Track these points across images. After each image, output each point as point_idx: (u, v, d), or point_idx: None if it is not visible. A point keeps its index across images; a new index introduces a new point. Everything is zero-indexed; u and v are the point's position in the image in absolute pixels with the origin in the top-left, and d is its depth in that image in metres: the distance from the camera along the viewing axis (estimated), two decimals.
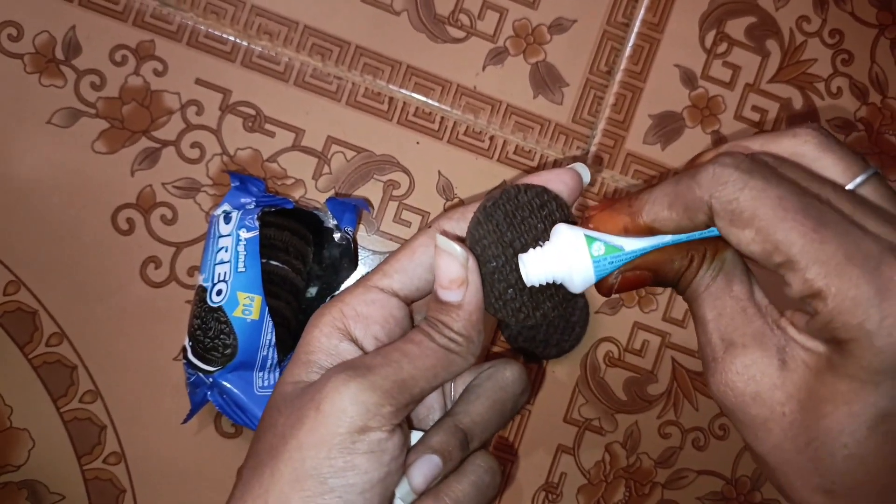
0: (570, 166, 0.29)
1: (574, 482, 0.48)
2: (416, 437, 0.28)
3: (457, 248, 0.26)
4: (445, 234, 0.27)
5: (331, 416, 0.25)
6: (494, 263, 0.27)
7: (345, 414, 0.25)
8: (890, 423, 0.20)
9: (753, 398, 0.22)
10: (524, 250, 0.27)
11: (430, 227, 0.29)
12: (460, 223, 0.29)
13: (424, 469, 0.27)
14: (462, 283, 0.26)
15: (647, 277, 0.24)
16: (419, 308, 0.32)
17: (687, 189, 0.23)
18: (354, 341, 0.28)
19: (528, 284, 0.27)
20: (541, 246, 0.27)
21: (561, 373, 0.48)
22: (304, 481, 0.25)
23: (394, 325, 0.29)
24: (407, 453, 0.27)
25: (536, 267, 0.26)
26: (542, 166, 0.48)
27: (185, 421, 0.43)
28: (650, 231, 0.24)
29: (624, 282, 0.25)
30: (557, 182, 0.28)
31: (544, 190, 0.28)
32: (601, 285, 0.25)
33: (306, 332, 0.29)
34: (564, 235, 0.26)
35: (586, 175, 0.29)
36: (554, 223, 0.28)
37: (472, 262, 0.26)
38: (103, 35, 0.46)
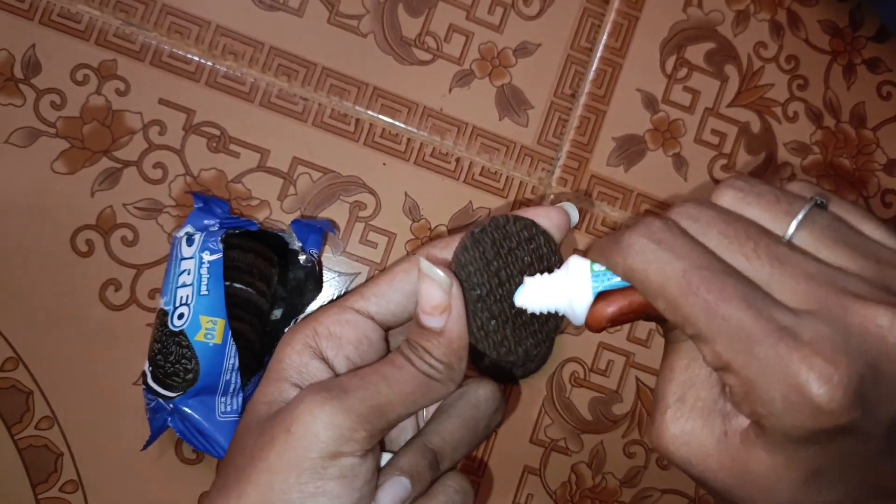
0: (559, 204, 0.28)
1: None
2: (385, 458, 0.27)
3: (440, 273, 0.25)
4: (431, 258, 0.27)
5: (302, 440, 0.24)
6: (479, 291, 0.26)
7: (317, 438, 0.24)
8: (819, 482, 0.20)
9: (685, 462, 0.22)
10: (510, 282, 0.27)
11: (414, 253, 0.29)
12: (444, 252, 0.28)
13: (392, 492, 0.26)
14: (445, 309, 0.26)
15: (644, 306, 0.24)
16: (396, 335, 0.31)
17: (611, 251, 0.23)
18: (325, 361, 0.27)
19: (527, 309, 0.26)
20: (546, 273, 0.26)
21: (527, 394, 0.48)
22: None
23: (367, 348, 0.28)
24: (377, 479, 0.26)
25: (538, 293, 0.25)
26: (508, 188, 0.49)
27: (145, 447, 0.42)
28: None
29: (620, 311, 0.24)
30: (545, 218, 0.28)
31: (533, 223, 0.27)
32: (596, 316, 0.24)
33: (278, 350, 0.28)
34: (575, 261, 0.25)
35: (574, 215, 0.28)
36: (541, 258, 0.27)
37: (455, 289, 0.26)
38: (64, 54, 0.45)
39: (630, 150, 0.50)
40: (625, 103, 0.50)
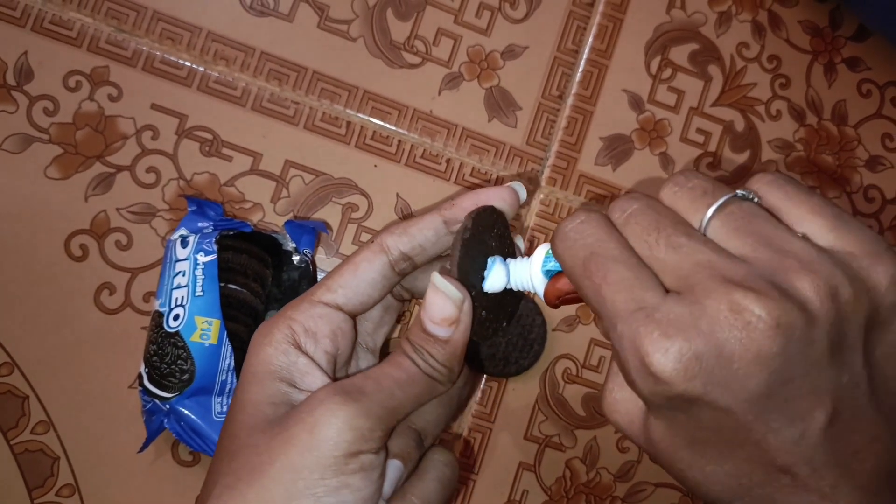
0: (507, 184, 0.31)
1: (536, 499, 0.49)
2: None
3: (454, 290, 0.27)
4: (444, 272, 0.28)
5: (326, 441, 0.25)
6: (474, 292, 0.28)
7: (341, 438, 0.26)
8: (704, 452, 0.23)
9: (618, 426, 0.25)
10: (483, 268, 0.29)
11: (372, 241, 0.30)
12: (402, 238, 0.30)
13: (389, 475, 0.28)
14: (454, 322, 0.27)
15: None
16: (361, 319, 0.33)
17: (552, 238, 0.26)
18: (308, 357, 0.28)
19: (510, 286, 0.29)
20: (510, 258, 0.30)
21: (520, 391, 0.49)
22: (298, 500, 0.25)
23: (341, 338, 0.30)
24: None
25: (512, 274, 0.29)
26: None
27: (142, 450, 0.42)
28: None
29: (570, 288, 0.27)
30: (499, 199, 0.30)
31: (493, 209, 0.30)
32: (549, 292, 0.27)
33: (257, 349, 0.29)
34: (539, 248, 0.29)
35: (522, 193, 0.31)
36: (501, 238, 0.30)
37: (467, 305, 0.27)
38: (56, 60, 0.46)
39: (617, 149, 0.51)
40: (611, 104, 0.51)
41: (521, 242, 0.33)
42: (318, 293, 0.30)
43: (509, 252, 0.31)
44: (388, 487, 0.27)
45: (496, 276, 0.29)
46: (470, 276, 0.28)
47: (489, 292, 0.29)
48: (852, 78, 0.54)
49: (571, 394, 0.49)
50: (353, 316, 0.30)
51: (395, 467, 0.28)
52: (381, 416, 0.26)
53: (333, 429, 0.25)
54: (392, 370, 0.28)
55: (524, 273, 0.28)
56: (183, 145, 0.46)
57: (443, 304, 0.27)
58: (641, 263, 0.23)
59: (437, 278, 0.27)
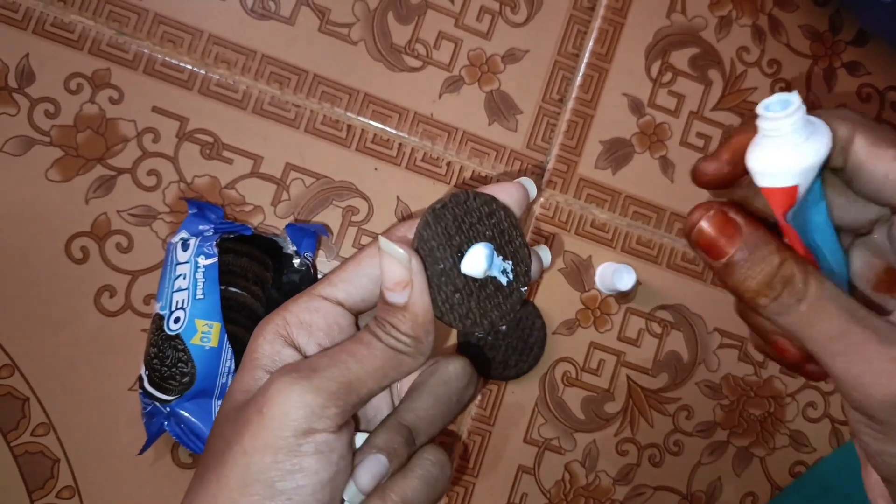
0: (517, 180, 0.29)
1: (535, 502, 0.49)
2: (361, 438, 0.28)
3: (399, 249, 0.26)
4: (389, 236, 0.27)
5: (274, 420, 0.24)
6: (442, 266, 0.27)
7: (288, 417, 0.24)
8: None
9: None
10: (466, 248, 0.28)
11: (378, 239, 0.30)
12: (409, 232, 0.29)
13: (370, 468, 0.26)
14: (406, 284, 0.26)
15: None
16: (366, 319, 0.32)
17: (831, 114, 0.23)
18: (297, 348, 0.28)
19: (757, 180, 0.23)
20: None
21: (520, 394, 0.49)
22: (252, 486, 0.24)
23: (338, 333, 0.28)
24: (353, 455, 0.27)
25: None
26: None
27: (142, 452, 0.42)
28: None
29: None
30: (504, 194, 0.29)
31: (493, 199, 0.28)
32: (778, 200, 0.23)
33: (251, 341, 0.28)
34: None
35: (532, 189, 0.30)
36: (502, 232, 0.28)
37: (415, 264, 0.26)
38: (58, 63, 0.46)
39: (617, 153, 0.51)
40: (612, 108, 0.51)
41: (545, 252, 0.31)
42: (319, 287, 0.29)
43: (513, 249, 0.29)
44: (368, 480, 0.26)
45: (475, 258, 0.27)
46: (435, 249, 0.27)
47: (468, 275, 0.27)
48: (852, 82, 0.54)
49: (571, 397, 0.49)
50: (356, 313, 0.30)
51: (377, 461, 0.26)
52: (334, 392, 0.25)
53: (280, 408, 0.24)
54: (350, 344, 0.27)
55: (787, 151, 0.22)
56: (184, 148, 0.46)
57: (389, 266, 0.26)
58: None
59: (381, 240, 0.26)
